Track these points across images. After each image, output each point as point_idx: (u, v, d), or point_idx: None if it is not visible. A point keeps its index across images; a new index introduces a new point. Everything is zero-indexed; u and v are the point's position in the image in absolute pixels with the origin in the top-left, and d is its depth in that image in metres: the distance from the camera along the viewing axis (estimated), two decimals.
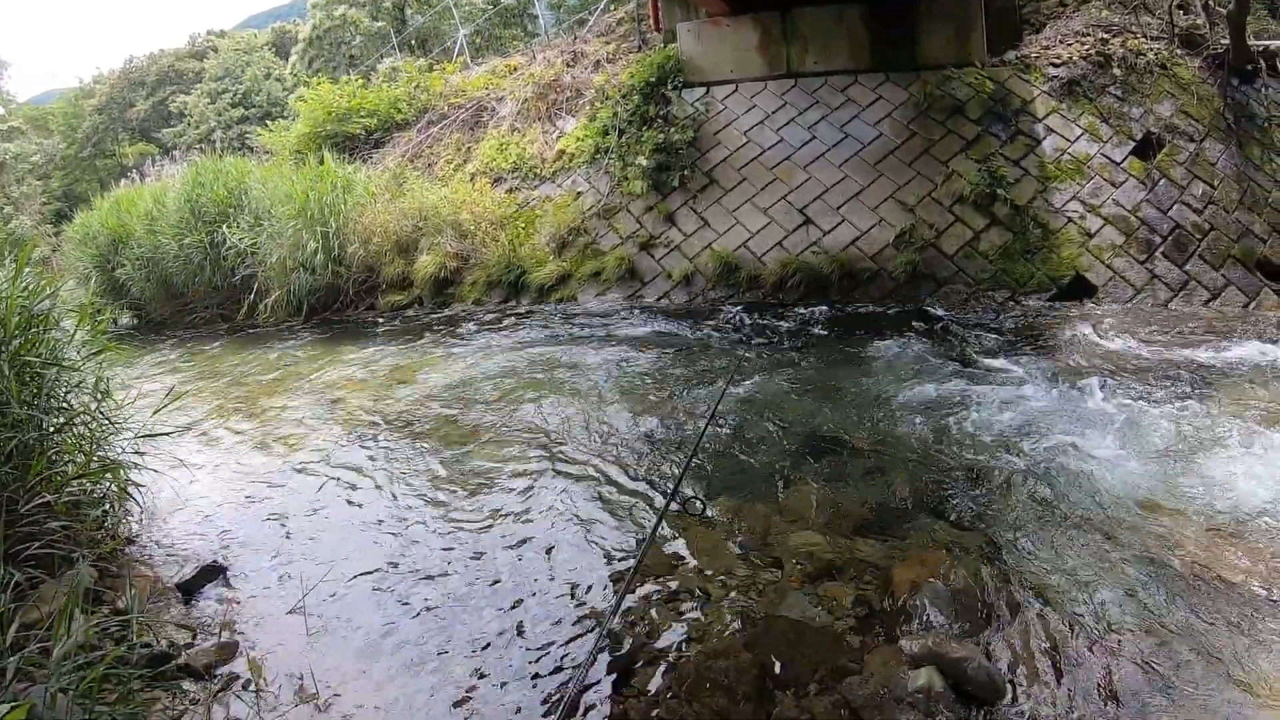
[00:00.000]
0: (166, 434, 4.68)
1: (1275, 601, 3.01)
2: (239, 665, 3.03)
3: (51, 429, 3.78)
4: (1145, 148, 8.38)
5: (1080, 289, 7.64)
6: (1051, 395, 5.16)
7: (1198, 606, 3.00)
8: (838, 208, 8.74)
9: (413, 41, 23.80)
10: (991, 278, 7.88)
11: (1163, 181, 8.10)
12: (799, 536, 3.68)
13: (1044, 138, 8.67)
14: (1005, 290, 7.77)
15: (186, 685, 2.89)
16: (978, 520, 3.77)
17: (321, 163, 11.42)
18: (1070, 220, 8.04)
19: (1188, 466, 4.09)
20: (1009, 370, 5.75)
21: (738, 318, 7.73)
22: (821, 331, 7.21)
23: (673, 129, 9.56)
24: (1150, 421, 4.63)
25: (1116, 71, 8.96)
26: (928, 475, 4.22)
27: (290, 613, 3.37)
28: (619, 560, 3.62)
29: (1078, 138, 8.59)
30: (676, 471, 4.27)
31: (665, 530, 3.84)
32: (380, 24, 25.09)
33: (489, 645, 3.08)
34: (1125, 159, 8.33)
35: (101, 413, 4.16)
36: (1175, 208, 7.91)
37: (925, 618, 3.02)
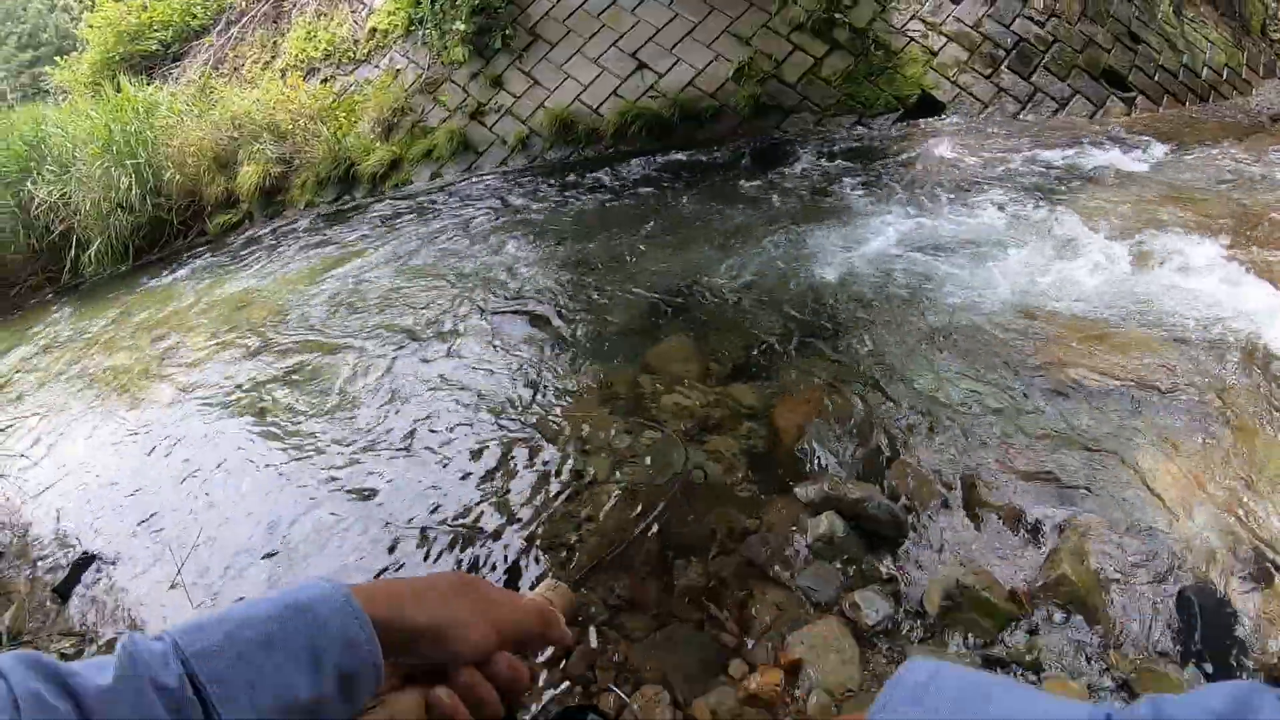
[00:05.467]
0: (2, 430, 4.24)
1: (1148, 395, 3.00)
2: None
3: None
4: None
5: (928, 107, 7.49)
6: (905, 214, 5.05)
7: (1080, 409, 2.98)
8: (671, 48, 8.27)
9: None
10: (837, 103, 7.64)
11: None
12: (674, 394, 3.46)
13: None
14: (852, 115, 7.55)
15: None
16: (851, 351, 3.63)
17: (119, 90, 10.29)
18: (912, 40, 7.80)
19: (1046, 273, 4.05)
20: (861, 194, 5.58)
21: (578, 177, 7.33)
22: (667, 178, 6.88)
23: None
24: (1005, 232, 4.60)
25: None
26: (794, 312, 4.06)
27: (172, 588, 3.10)
28: (505, 462, 3.32)
29: None
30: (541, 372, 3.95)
31: (536, 411, 3.61)
32: None
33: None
34: None
35: None
36: (1018, 21, 7.75)
37: (816, 460, 2.91)
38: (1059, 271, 4.02)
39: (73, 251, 9.89)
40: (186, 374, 5.22)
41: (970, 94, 7.50)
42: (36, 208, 9.90)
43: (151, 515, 3.66)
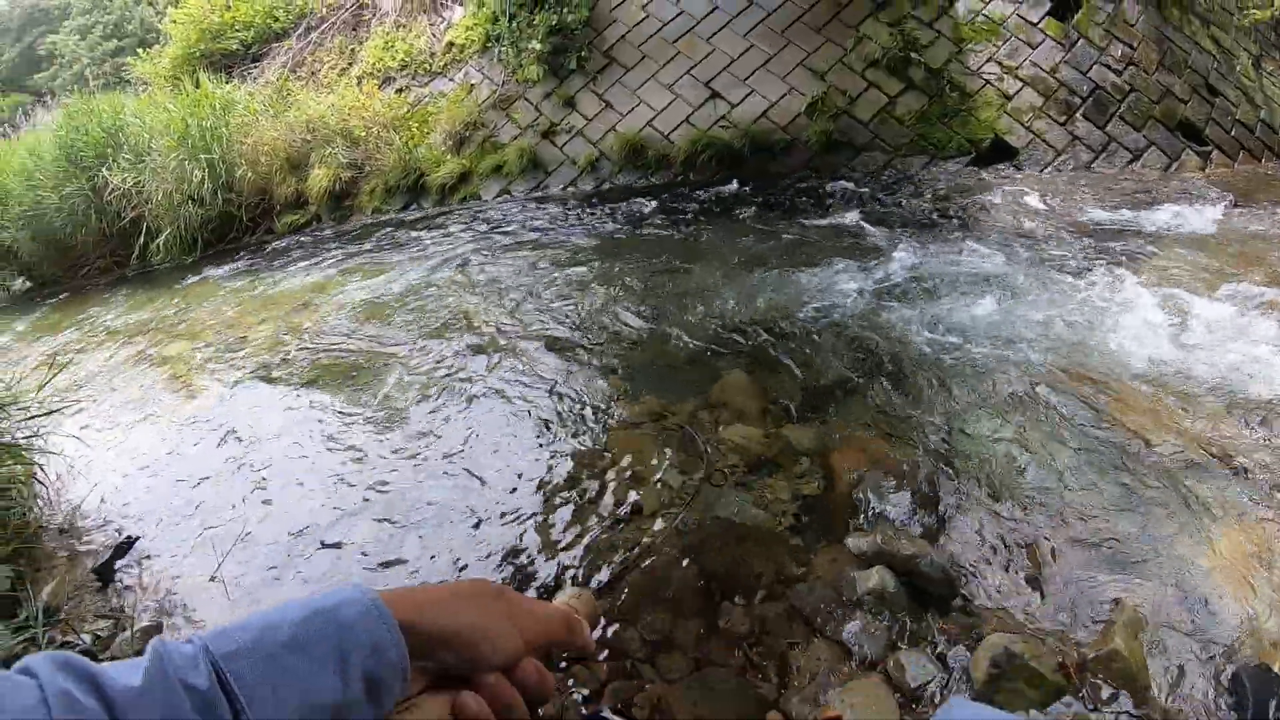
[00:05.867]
0: (60, 410, 4.28)
1: (1211, 464, 2.92)
2: None
3: None
4: (1062, 8, 8.04)
5: (1001, 152, 7.39)
6: (974, 264, 4.96)
7: (1142, 474, 2.90)
8: (745, 79, 8.29)
9: None
10: (909, 143, 7.58)
11: (1081, 42, 7.81)
12: (730, 430, 3.42)
13: None
14: (924, 155, 7.49)
15: None
16: (912, 399, 3.56)
17: (198, 86, 10.54)
18: (987, 83, 7.72)
19: (1114, 332, 3.95)
20: (932, 239, 5.51)
21: (647, 203, 7.34)
22: (736, 210, 6.85)
23: (566, 9, 8.92)
24: (1075, 287, 4.49)
25: None
26: (857, 354, 4.00)
27: (211, 580, 3.08)
28: (551, 486, 3.30)
29: None
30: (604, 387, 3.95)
31: (588, 437, 3.58)
32: None
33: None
34: (1042, 19, 7.99)
35: None
36: (1095, 69, 7.64)
37: (871, 510, 2.86)
38: (1124, 332, 3.94)
39: (142, 239, 10.15)
40: (244, 368, 5.29)
41: (1044, 141, 7.40)
42: (110, 193, 10.19)
43: (198, 505, 3.68)
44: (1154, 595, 2.36)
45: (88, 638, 2.80)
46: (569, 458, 3.47)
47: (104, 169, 10.26)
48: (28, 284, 12.81)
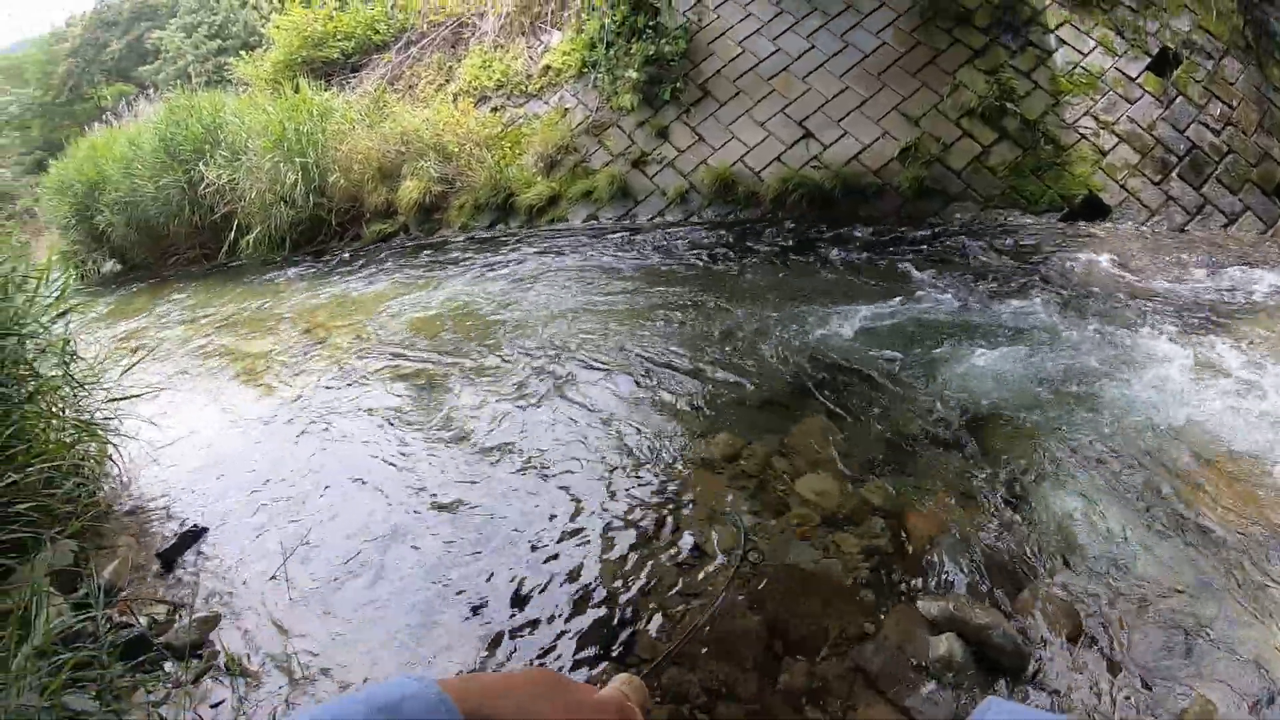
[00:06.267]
0: (139, 395, 4.42)
1: None
2: (222, 640, 2.79)
3: (18, 399, 3.51)
4: (1162, 63, 7.93)
5: (1093, 209, 7.27)
6: (1064, 324, 4.89)
7: (1224, 556, 2.84)
8: (839, 120, 8.29)
9: None
10: (1002, 195, 7.50)
11: (1179, 99, 7.67)
12: (805, 480, 3.41)
13: (1056, 49, 8.20)
14: (1015, 208, 7.40)
15: (169, 667, 2.65)
16: (991, 461, 3.50)
17: (297, 91, 10.96)
18: (1083, 137, 7.63)
19: (1206, 404, 3.84)
20: (1021, 296, 5.45)
21: (734, 238, 7.35)
22: (823, 251, 6.84)
23: (663, 40, 9.04)
24: (1164, 354, 4.38)
25: None
26: (940, 411, 3.95)
27: (272, 578, 3.18)
28: (616, 517, 3.32)
29: (1091, 50, 8.13)
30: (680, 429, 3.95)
31: (663, 473, 3.58)
32: None
33: (479, 613, 2.83)
34: (1141, 74, 7.88)
35: (71, 377, 3.91)
36: (1192, 127, 7.50)
37: (943, 575, 2.83)
38: (1213, 404, 3.83)
39: (232, 234, 10.53)
40: (323, 369, 5.44)
41: (1138, 199, 7.26)
42: (204, 188, 10.59)
43: (265, 503, 3.78)
44: (1230, 688, 2.31)
45: (145, 621, 2.87)
46: (635, 491, 3.49)
47: (201, 164, 10.73)
48: (118, 267, 13.42)
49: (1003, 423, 3.81)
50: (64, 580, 3.00)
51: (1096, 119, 7.68)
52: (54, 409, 3.82)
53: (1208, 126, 7.48)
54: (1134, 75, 7.89)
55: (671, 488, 3.48)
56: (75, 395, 3.98)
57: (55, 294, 4.43)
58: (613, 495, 3.46)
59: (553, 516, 3.35)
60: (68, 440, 3.80)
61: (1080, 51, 8.13)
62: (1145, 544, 2.92)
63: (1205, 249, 6.43)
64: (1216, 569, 2.76)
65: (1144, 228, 7.03)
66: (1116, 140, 7.54)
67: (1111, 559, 2.85)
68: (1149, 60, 7.94)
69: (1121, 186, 7.31)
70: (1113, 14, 8.28)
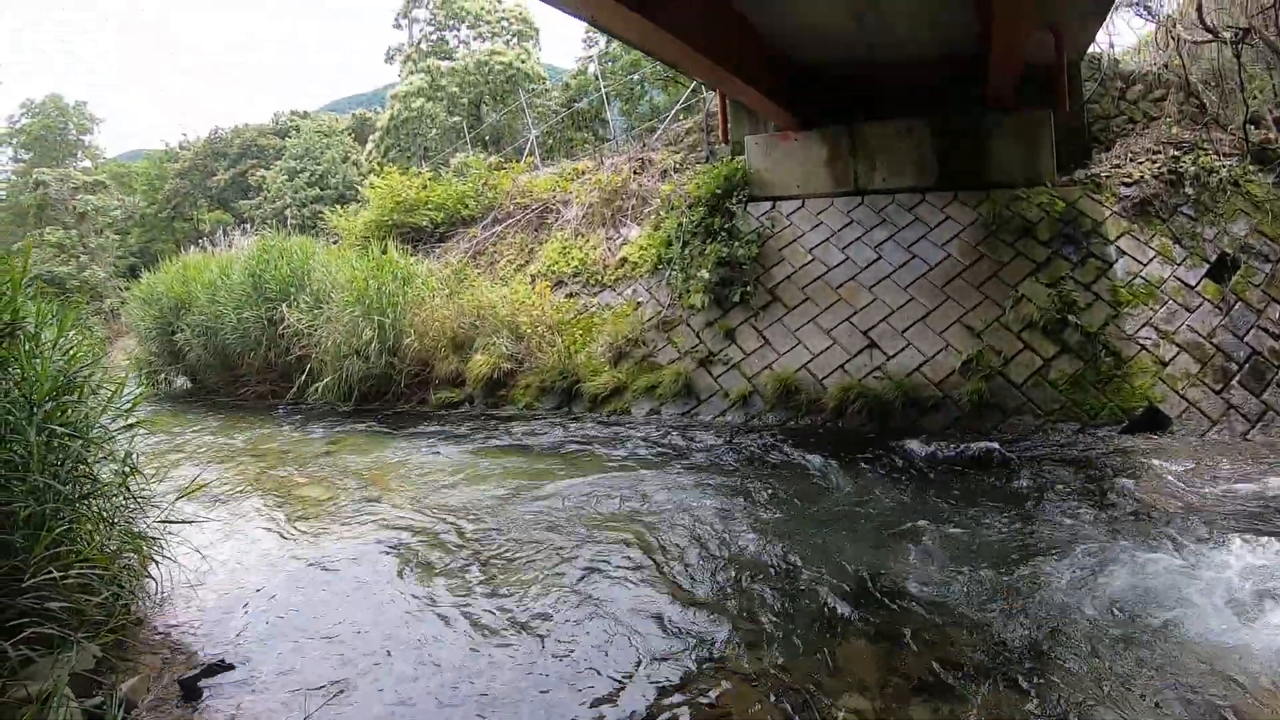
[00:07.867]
0: (190, 522, 4.65)
1: None
2: None
3: (72, 499, 3.70)
4: (1220, 269, 8.14)
5: (1154, 421, 7.31)
6: (1125, 544, 4.84)
7: None
8: (903, 331, 8.56)
9: (486, 138, 24.60)
10: (1061, 409, 7.61)
11: (1238, 305, 7.84)
12: (848, 699, 3.41)
13: (1116, 260, 8.47)
14: (1075, 422, 7.49)
15: None
16: (1043, 690, 3.44)
17: (385, 252, 11.68)
18: (1143, 348, 7.78)
19: (1266, 627, 3.74)
20: (1079, 515, 5.45)
21: (794, 445, 7.45)
22: (880, 465, 6.91)
23: (737, 243, 9.54)
24: (1233, 574, 4.28)
25: (1189, 190, 8.74)
26: (991, 633, 3.90)
27: None
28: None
29: (1150, 260, 8.38)
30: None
31: (699, 685, 3.57)
32: (455, 119, 26.03)
33: None
34: (1199, 282, 8.10)
35: (127, 488, 4.13)
36: (1252, 333, 7.63)
37: None
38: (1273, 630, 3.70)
39: (303, 377, 11.01)
40: (375, 525, 5.60)
41: (1198, 410, 7.29)
42: (284, 328, 11.19)
43: (298, 644, 3.82)
44: None
45: None
46: (673, 695, 3.45)
47: (284, 304, 11.41)
48: (189, 384, 14.12)
49: (1058, 649, 3.71)
50: (79, 683, 3.04)
51: (1156, 329, 7.84)
52: (104, 515, 3.96)
53: (1267, 331, 7.60)
54: (1193, 283, 8.09)
55: (708, 695, 3.47)
56: (128, 507, 4.14)
57: (127, 404, 4.64)
58: (650, 700, 3.44)
59: (588, 711, 3.33)
60: (112, 549, 3.89)
61: (1140, 261, 8.38)
62: None
63: (1269, 459, 6.38)
64: None
65: (1204, 438, 7.03)
66: (1176, 350, 7.67)
67: None
68: (1207, 267, 8.16)
69: (1182, 397, 7.38)
70: (1171, 222, 8.56)
